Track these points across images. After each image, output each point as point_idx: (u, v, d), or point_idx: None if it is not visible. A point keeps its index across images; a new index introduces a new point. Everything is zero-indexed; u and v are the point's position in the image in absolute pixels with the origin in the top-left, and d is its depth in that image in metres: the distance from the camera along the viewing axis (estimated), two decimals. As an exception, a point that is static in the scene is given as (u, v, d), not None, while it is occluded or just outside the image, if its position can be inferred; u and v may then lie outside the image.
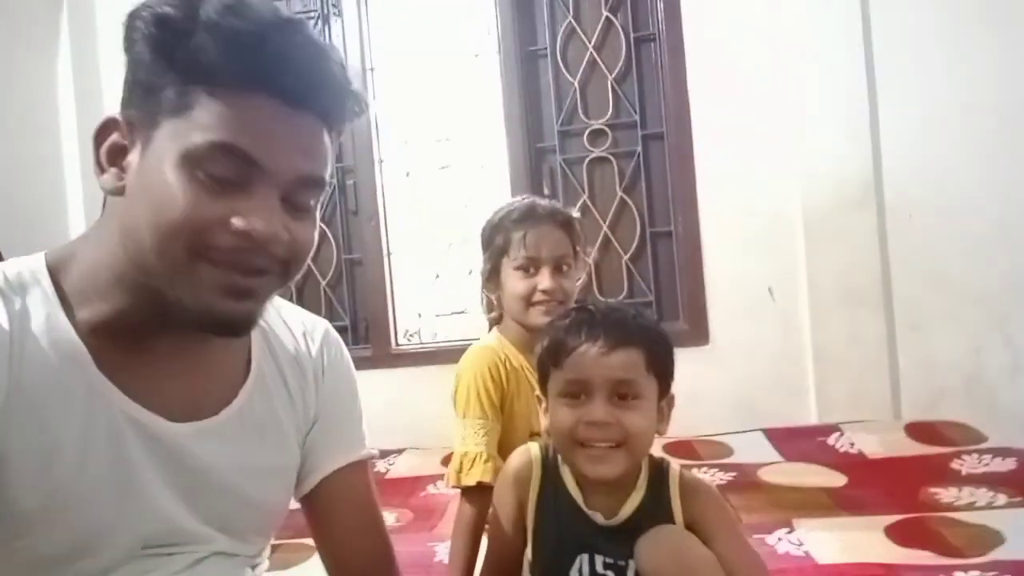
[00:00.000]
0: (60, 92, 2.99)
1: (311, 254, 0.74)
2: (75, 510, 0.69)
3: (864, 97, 2.68)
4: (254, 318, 0.72)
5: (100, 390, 0.70)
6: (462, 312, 2.98)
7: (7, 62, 2.76)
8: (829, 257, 2.70)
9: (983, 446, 2.29)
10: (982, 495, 1.89)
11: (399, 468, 2.59)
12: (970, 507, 1.83)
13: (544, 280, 1.34)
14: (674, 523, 1.06)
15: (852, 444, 2.42)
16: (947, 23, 2.64)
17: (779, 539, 1.72)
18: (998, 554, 1.53)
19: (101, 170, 0.68)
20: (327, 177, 0.73)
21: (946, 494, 1.93)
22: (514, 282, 1.36)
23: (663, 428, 1.08)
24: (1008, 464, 2.12)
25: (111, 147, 0.68)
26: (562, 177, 2.96)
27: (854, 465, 2.26)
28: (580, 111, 2.95)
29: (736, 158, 2.80)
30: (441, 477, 2.43)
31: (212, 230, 0.65)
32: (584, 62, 2.93)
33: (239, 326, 0.71)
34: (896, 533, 1.69)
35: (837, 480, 2.14)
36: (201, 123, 0.63)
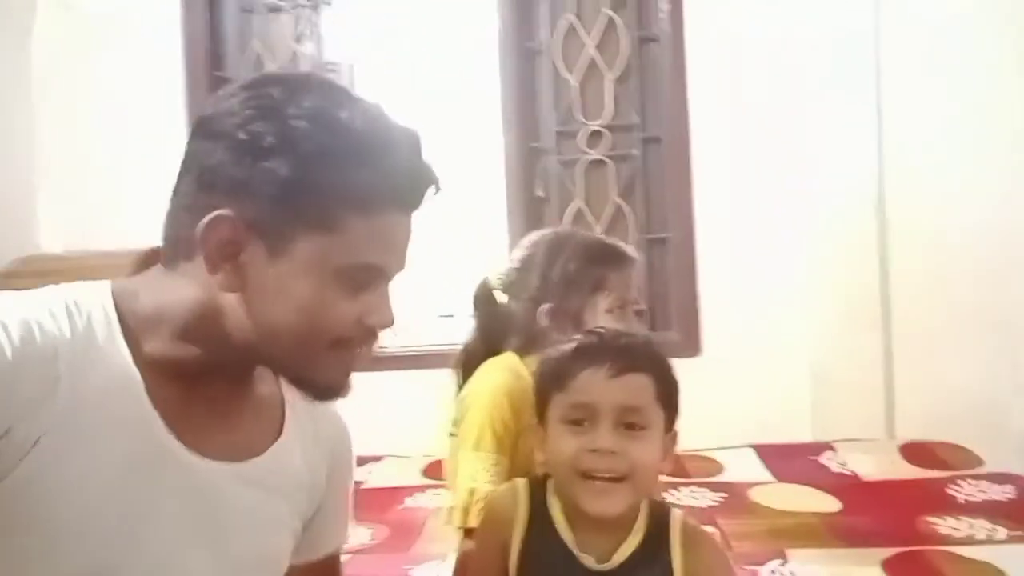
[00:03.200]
0: (34, 91, 2.88)
1: None
2: (96, 536, 0.68)
3: (872, 108, 2.60)
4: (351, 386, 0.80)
5: (148, 420, 0.71)
6: (449, 316, 2.88)
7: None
8: (828, 270, 2.63)
9: (980, 471, 2.23)
10: (981, 527, 1.83)
11: (378, 478, 2.50)
12: (970, 540, 1.77)
13: (635, 323, 1.30)
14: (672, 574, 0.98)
15: (845, 464, 2.37)
16: (957, 41, 2.57)
17: (772, 572, 1.65)
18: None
19: (213, 267, 0.69)
20: None
21: (944, 525, 1.87)
22: (608, 324, 1.22)
23: (665, 466, 1.00)
24: (1006, 492, 2.07)
25: (222, 244, 0.69)
26: (557, 178, 2.88)
27: (848, 488, 2.19)
28: (578, 112, 2.86)
29: (735, 165, 2.72)
30: (421, 488, 2.36)
31: (348, 327, 0.72)
32: (584, 61, 2.84)
33: (342, 394, 0.79)
34: (894, 569, 1.63)
35: (831, 505, 2.08)
36: (349, 243, 0.69)
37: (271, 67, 2.98)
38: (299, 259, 0.69)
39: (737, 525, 1.95)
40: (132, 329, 0.72)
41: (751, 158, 2.71)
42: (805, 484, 2.24)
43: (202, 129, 0.71)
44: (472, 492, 1.21)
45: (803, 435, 2.64)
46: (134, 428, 0.70)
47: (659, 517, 1.00)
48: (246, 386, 0.81)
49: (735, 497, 2.16)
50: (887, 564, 1.65)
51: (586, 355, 0.96)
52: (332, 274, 0.70)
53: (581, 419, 0.94)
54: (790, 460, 2.42)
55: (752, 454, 2.50)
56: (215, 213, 0.67)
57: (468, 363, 1.38)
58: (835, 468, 2.35)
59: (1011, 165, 2.53)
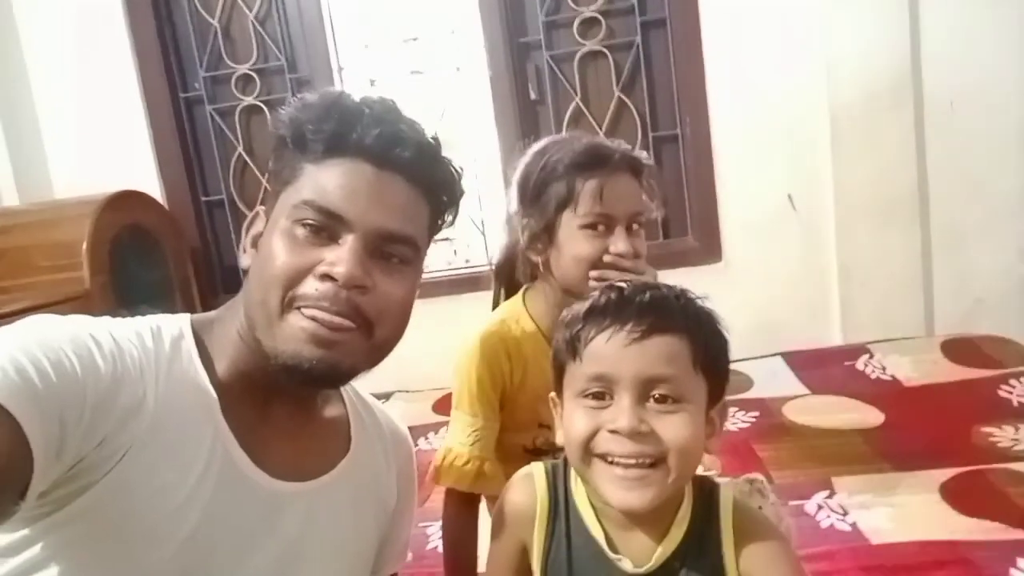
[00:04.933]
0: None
1: (404, 315, 0.79)
2: (174, 544, 0.70)
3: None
4: (341, 370, 0.76)
5: (222, 437, 0.74)
6: (446, 240, 2.67)
7: None
8: (859, 160, 2.38)
9: (1032, 366, 2.06)
10: (1045, 437, 1.67)
11: (387, 418, 2.36)
12: (1034, 455, 1.61)
13: (619, 241, 1.08)
14: (724, 571, 0.81)
15: (884, 368, 2.20)
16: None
17: (819, 506, 1.51)
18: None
19: (244, 251, 0.80)
20: (416, 236, 0.79)
21: (1001, 435, 1.71)
22: (581, 243, 1.09)
23: (713, 445, 0.82)
24: (1064, 390, 1.90)
25: (255, 234, 0.79)
26: (550, 77, 2.58)
27: (889, 396, 2.03)
28: (568, -4, 2.53)
29: (752, 47, 2.42)
30: (434, 428, 2.22)
31: (302, 279, 0.72)
32: (571, -64, 2.49)
33: (325, 374, 0.74)
34: (954, 495, 1.48)
35: (873, 417, 1.92)
36: (301, 187, 0.75)
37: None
38: (274, 217, 0.76)
39: (774, 450, 1.80)
40: (208, 354, 0.77)
41: (772, 41, 2.39)
42: (842, 395, 2.08)
43: None
44: (447, 451, 1.16)
45: (833, 341, 2.47)
46: (210, 444, 0.73)
47: (707, 500, 0.84)
48: (312, 410, 0.85)
49: (768, 416, 2.01)
50: (946, 489, 1.50)
51: (601, 315, 0.78)
52: (291, 219, 0.73)
53: (600, 393, 0.76)
54: (823, 368, 2.25)
55: (782, 364, 2.34)
56: (253, 211, 0.81)
57: (498, 281, 1.31)
58: (873, 374, 2.18)
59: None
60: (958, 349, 2.23)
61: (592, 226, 1.08)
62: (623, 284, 0.82)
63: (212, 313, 0.83)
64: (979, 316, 2.38)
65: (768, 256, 2.48)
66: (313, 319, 0.72)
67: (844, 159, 2.37)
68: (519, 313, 1.18)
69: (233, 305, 0.81)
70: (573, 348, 0.79)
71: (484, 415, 1.14)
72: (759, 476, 1.04)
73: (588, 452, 0.77)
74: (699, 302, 0.81)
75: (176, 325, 0.77)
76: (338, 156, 0.75)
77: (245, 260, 0.79)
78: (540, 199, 1.11)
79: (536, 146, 1.18)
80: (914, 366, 2.18)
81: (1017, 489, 1.47)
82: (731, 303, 2.56)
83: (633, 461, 0.74)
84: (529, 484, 0.87)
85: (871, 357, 2.27)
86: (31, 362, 0.60)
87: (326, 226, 0.73)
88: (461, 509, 1.17)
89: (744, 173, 2.47)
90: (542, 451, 1.19)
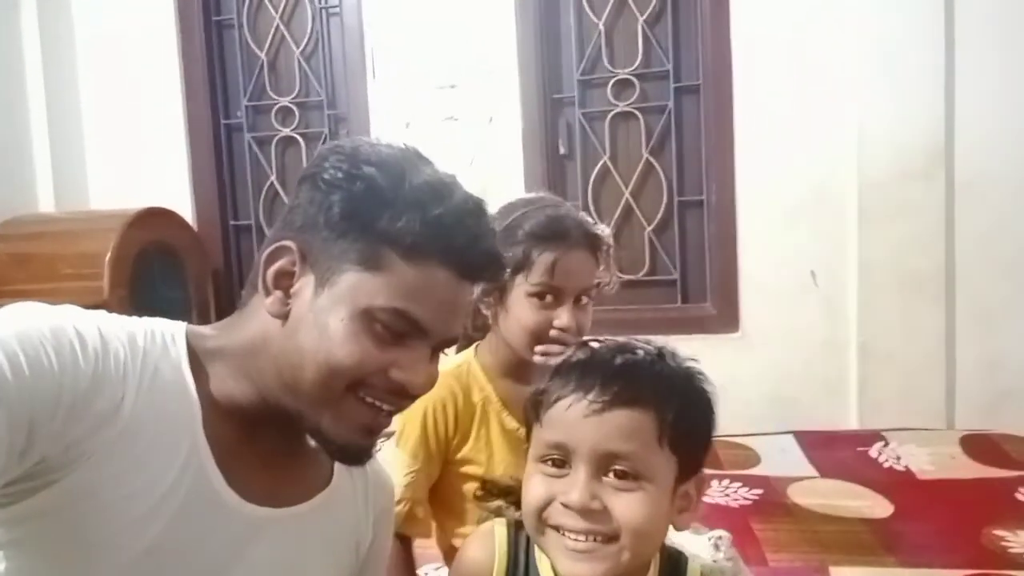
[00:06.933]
0: (26, 51, 2.71)
1: None
2: (131, 556, 0.67)
3: (940, 47, 2.27)
4: (373, 452, 0.79)
5: (199, 452, 0.72)
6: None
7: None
8: (885, 236, 2.35)
9: (1055, 471, 1.97)
10: (1060, 547, 1.58)
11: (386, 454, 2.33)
12: (1047, 565, 1.53)
13: (564, 316, 1.09)
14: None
15: (898, 458, 2.12)
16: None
17: (812, 595, 1.44)
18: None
19: (267, 291, 0.74)
20: None
21: (1015, 541, 1.63)
22: (526, 310, 1.10)
23: (682, 521, 0.77)
24: (1087, 500, 1.81)
25: (279, 271, 0.74)
26: (581, 134, 2.61)
27: (901, 487, 1.96)
28: (604, 58, 2.57)
29: (782, 117, 2.42)
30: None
31: (372, 374, 0.72)
32: (611, 2, 2.54)
33: (362, 459, 0.78)
34: (957, 599, 1.40)
35: (881, 508, 1.84)
36: (390, 285, 0.71)
37: (271, 10, 2.75)
38: (340, 292, 0.71)
39: (773, 531, 1.74)
40: (200, 365, 0.75)
41: (803, 112, 2.40)
42: (852, 481, 2.00)
43: (299, 179, 0.77)
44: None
45: (849, 421, 2.40)
46: (185, 458, 0.71)
47: (673, 570, 0.80)
48: (298, 439, 0.82)
49: (772, 495, 1.94)
50: (948, 593, 1.43)
51: (565, 380, 0.74)
52: (367, 313, 0.71)
53: (558, 461, 0.73)
54: (835, 451, 2.19)
55: (792, 442, 2.27)
56: (278, 243, 0.74)
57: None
58: (886, 462, 2.11)
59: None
60: (977, 445, 2.15)
61: (540, 295, 1.09)
62: (595, 347, 0.78)
63: (207, 328, 0.81)
64: (1003, 404, 2.29)
65: (787, 329, 2.43)
66: (373, 409, 0.73)
67: (870, 233, 2.34)
68: (470, 362, 1.18)
69: (232, 328, 0.79)
70: (536, 410, 0.76)
71: (423, 459, 1.13)
72: (723, 532, 1.01)
73: (542, 522, 0.73)
74: (681, 365, 0.76)
75: (170, 330, 0.76)
76: (432, 260, 0.72)
77: (273, 305, 0.73)
78: None
79: (507, 202, 1.18)
80: (931, 458, 2.10)
81: (1025, 600, 1.40)
82: (746, 375, 2.52)
83: (584, 538, 0.71)
84: (489, 541, 0.83)
85: (886, 445, 2.20)
86: (7, 356, 0.58)
87: (407, 332, 0.72)
88: (399, 549, 1.15)
89: (767, 243, 2.45)
90: (492, 495, 1.18)
